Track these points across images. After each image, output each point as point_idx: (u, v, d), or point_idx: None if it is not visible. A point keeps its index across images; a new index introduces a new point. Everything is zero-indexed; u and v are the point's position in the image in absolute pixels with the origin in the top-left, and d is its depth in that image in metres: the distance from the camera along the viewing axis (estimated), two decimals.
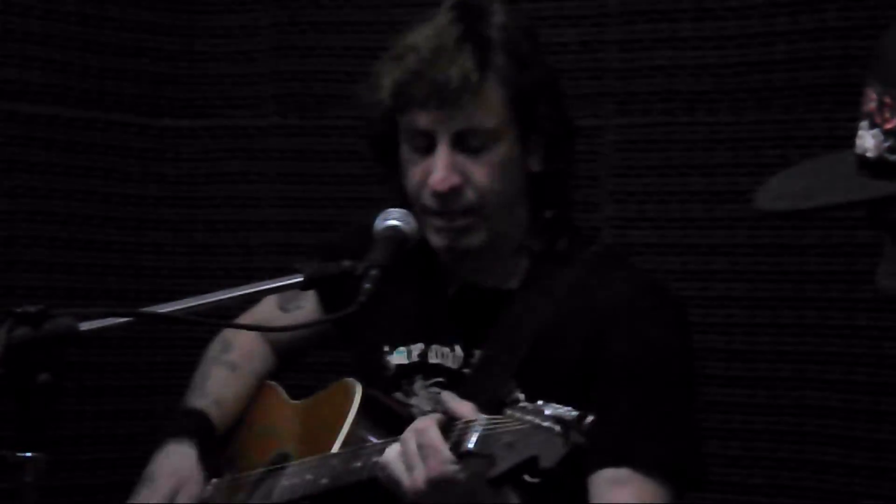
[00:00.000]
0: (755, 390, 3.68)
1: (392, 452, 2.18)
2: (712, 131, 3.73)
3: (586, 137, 3.81)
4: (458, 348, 2.43)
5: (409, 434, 2.16)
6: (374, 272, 2.21)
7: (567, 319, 2.34)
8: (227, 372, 2.68)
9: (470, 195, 2.34)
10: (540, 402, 2.00)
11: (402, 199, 2.41)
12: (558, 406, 1.99)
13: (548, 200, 2.42)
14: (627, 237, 3.78)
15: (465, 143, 2.34)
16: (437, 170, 2.33)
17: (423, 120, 2.34)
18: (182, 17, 4.15)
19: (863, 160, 1.58)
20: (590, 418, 1.96)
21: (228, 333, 2.75)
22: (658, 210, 3.77)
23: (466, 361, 2.42)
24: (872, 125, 1.57)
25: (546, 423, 1.96)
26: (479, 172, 2.34)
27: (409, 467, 2.14)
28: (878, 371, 3.54)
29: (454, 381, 2.41)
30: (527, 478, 2.20)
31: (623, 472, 2.28)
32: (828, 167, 1.65)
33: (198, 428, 2.60)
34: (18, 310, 1.90)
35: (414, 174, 2.38)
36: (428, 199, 2.36)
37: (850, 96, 3.47)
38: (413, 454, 2.13)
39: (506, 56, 2.35)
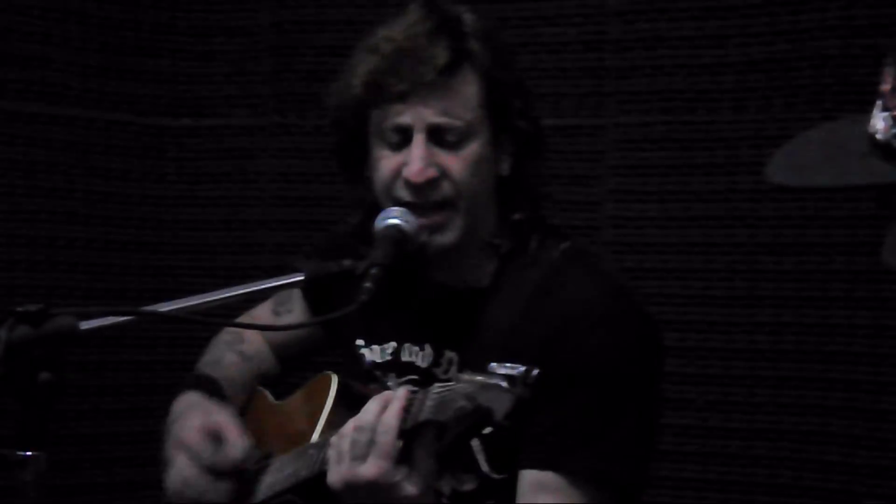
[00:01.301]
0: (756, 389, 3.68)
1: (348, 427, 2.14)
2: (712, 130, 3.73)
3: (586, 136, 3.83)
4: (428, 347, 2.42)
5: (364, 423, 2.12)
6: (374, 271, 2.20)
7: (531, 320, 2.31)
8: (240, 360, 2.67)
9: (446, 187, 2.31)
10: (493, 364, 2.01)
11: (369, 201, 2.39)
12: (509, 365, 2.00)
13: (516, 204, 2.39)
14: (627, 236, 3.78)
15: (440, 139, 2.31)
16: (414, 161, 2.29)
17: (398, 113, 2.31)
18: (182, 17, 4.16)
19: (873, 140, 1.58)
20: (535, 372, 1.98)
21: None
22: (658, 209, 3.77)
23: (436, 360, 2.41)
24: (885, 108, 1.57)
25: (494, 381, 1.98)
26: (456, 166, 2.31)
27: (355, 457, 2.11)
28: (879, 370, 3.54)
29: (425, 378, 2.40)
30: (494, 475, 2.20)
31: (547, 476, 2.24)
32: (844, 138, 1.64)
33: (209, 387, 2.57)
34: (19, 309, 1.90)
35: (386, 167, 2.33)
36: (401, 192, 2.31)
37: (850, 95, 3.51)
38: (363, 446, 2.11)
39: (481, 46, 2.33)
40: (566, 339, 2.26)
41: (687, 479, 3.74)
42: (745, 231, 3.69)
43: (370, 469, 2.10)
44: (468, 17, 2.36)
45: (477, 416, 2.00)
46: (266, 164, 4.13)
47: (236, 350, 2.68)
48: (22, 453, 1.86)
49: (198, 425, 2.45)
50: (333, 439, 2.17)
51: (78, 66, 4.01)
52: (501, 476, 2.28)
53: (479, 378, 2.00)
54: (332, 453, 2.15)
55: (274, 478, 2.41)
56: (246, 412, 2.64)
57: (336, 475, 2.13)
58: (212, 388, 2.56)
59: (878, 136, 1.57)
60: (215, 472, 2.43)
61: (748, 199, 3.67)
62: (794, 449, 3.62)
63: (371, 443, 2.10)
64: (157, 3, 4.13)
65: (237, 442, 2.43)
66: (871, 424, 3.54)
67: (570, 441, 2.24)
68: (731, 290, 3.70)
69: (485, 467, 2.30)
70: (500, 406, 1.97)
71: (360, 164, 2.40)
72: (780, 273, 3.65)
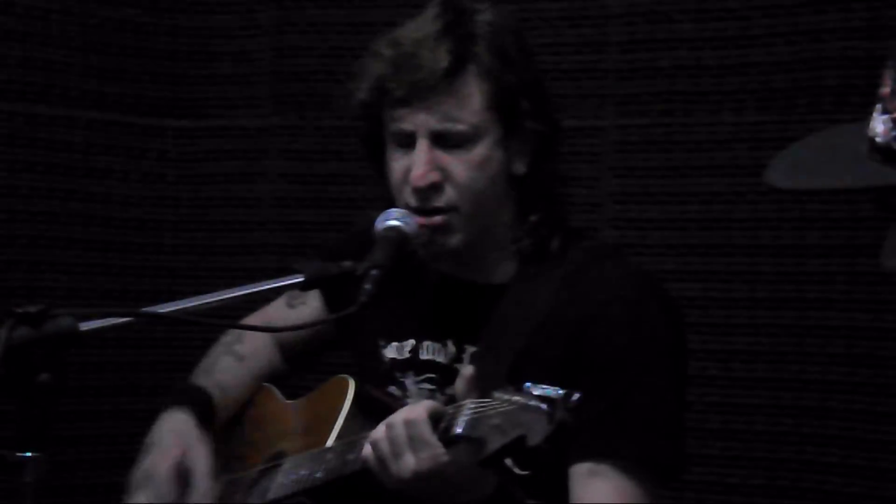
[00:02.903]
0: (755, 391, 3.68)
1: (379, 432, 2.16)
2: (712, 132, 3.73)
3: (586, 138, 3.83)
4: (450, 344, 2.43)
5: (398, 420, 2.14)
6: (374, 273, 2.21)
7: (557, 313, 2.33)
8: (234, 361, 2.68)
9: (450, 192, 2.33)
10: (528, 384, 2.00)
11: (391, 200, 2.40)
12: (546, 386, 1.99)
13: (534, 203, 2.40)
14: (627, 238, 3.78)
15: (444, 140, 2.33)
16: (416, 166, 2.32)
17: (402, 118, 2.33)
18: (182, 17, 4.16)
19: (873, 143, 1.59)
20: (576, 396, 1.97)
21: None
22: (658, 211, 3.77)
23: (458, 356, 2.41)
24: (884, 111, 1.58)
25: (533, 403, 1.97)
26: (459, 169, 2.32)
27: (397, 455, 2.13)
28: (879, 372, 3.54)
29: (445, 376, 2.40)
30: (516, 470, 2.21)
31: (601, 467, 2.28)
32: (844, 142, 1.65)
33: (198, 401, 2.58)
34: (19, 310, 1.90)
35: (396, 171, 2.36)
36: (408, 197, 2.34)
37: (850, 97, 3.51)
38: (402, 443, 2.12)
39: (489, 50, 2.33)
40: (599, 325, 2.29)
41: (686, 480, 3.73)
42: (745, 233, 3.68)
43: (420, 460, 2.11)
44: (481, 17, 2.36)
45: (510, 441, 1.98)
46: (266, 165, 4.13)
47: (233, 351, 2.68)
48: (22, 454, 1.87)
49: (171, 463, 2.48)
50: (367, 451, 2.17)
51: (78, 67, 4.01)
52: (524, 472, 2.28)
53: (517, 398, 1.99)
54: (372, 461, 2.16)
55: (287, 478, 2.42)
56: (248, 409, 2.65)
57: (388, 477, 2.14)
58: (200, 406, 2.56)
59: (878, 140, 1.58)
60: None
61: (748, 202, 3.67)
62: (793, 451, 3.62)
63: (409, 437, 2.11)
64: (157, 3, 4.13)
65: (202, 492, 2.46)
66: (870, 427, 3.54)
67: (619, 430, 2.27)
68: (730, 292, 3.70)
69: (508, 461, 2.30)
70: (537, 430, 1.96)
71: (382, 162, 2.42)
72: (780, 275, 3.65)
